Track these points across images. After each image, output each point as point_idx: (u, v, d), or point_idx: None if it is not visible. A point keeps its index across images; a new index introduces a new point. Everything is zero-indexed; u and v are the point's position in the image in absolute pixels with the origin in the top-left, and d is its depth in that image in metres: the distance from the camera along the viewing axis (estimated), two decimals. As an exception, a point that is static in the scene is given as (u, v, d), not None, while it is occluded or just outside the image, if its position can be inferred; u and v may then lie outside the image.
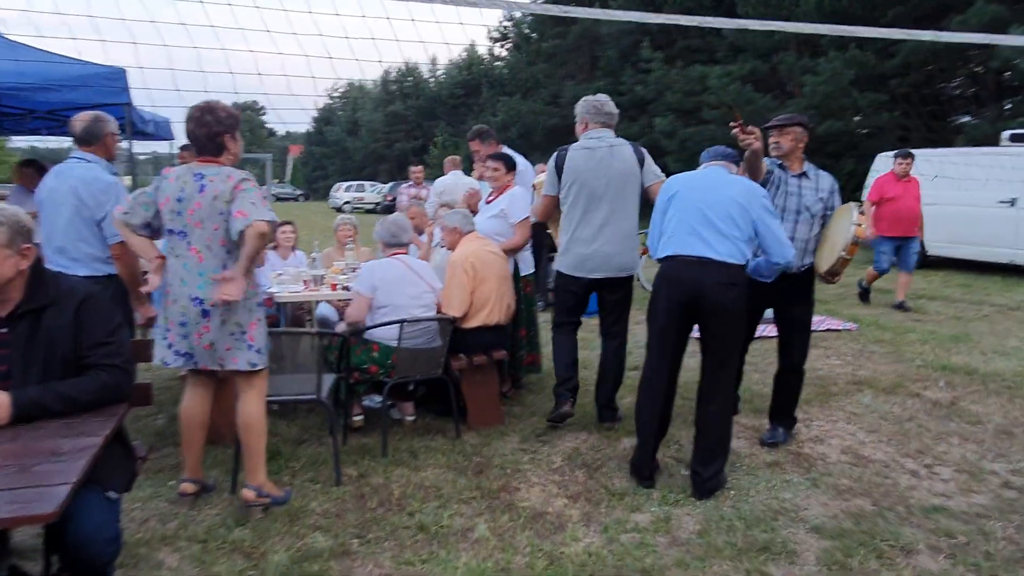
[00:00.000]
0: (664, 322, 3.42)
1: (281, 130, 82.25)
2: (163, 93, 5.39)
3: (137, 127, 7.32)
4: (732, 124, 3.51)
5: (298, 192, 53.49)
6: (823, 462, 3.83)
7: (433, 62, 51.37)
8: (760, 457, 3.89)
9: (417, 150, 44.43)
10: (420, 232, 5.77)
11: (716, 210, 3.36)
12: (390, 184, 35.52)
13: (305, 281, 4.65)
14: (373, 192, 36.75)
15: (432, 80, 50.16)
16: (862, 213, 3.81)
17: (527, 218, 4.80)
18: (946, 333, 6.84)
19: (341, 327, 4.32)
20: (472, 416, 4.35)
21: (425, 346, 4.11)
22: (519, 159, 5.25)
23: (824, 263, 3.91)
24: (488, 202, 4.86)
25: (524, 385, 5.08)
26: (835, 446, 4.05)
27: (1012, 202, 10.71)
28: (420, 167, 9.84)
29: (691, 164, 4.22)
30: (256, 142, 67.73)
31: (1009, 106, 15.91)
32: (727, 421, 3.48)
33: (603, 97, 4.23)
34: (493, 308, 4.33)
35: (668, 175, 3.93)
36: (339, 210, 34.84)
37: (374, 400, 4.48)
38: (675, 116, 20.78)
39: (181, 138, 6.65)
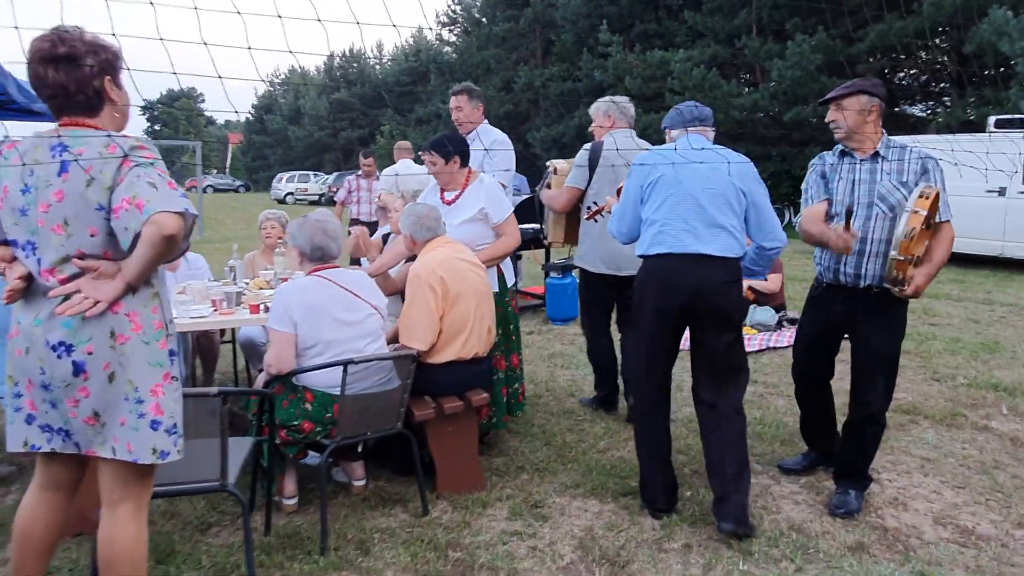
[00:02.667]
0: (656, 328, 2.94)
1: (220, 118, 79.06)
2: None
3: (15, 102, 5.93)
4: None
5: (238, 183, 51.13)
6: (919, 540, 2.87)
7: (379, 48, 49.67)
8: (837, 536, 2.90)
9: (363, 139, 42.73)
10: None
11: (714, 200, 2.89)
12: (335, 174, 33.90)
13: (215, 300, 3.45)
14: (317, 183, 35.11)
15: (378, 66, 48.39)
16: (923, 197, 2.79)
17: (512, 214, 3.72)
18: (974, 341, 6.03)
19: (261, 381, 3.13)
20: (443, 479, 3.26)
21: (377, 389, 3.00)
22: (495, 134, 4.12)
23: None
24: (449, 203, 3.72)
25: (510, 429, 4.01)
26: (923, 513, 3.09)
27: (1001, 191, 10.12)
28: (371, 158, 8.52)
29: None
30: (195, 131, 64.68)
31: (980, 92, 15.45)
32: (744, 434, 2.94)
33: (625, 98, 4.25)
34: (470, 335, 3.25)
35: (589, 206, 3.88)
36: (282, 202, 33.15)
37: (311, 458, 3.35)
38: (635, 102, 19.88)
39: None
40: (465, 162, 3.67)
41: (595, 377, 4.43)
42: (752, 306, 6.60)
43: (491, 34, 29.65)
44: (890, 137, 3.06)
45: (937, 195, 2.80)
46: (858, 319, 3.02)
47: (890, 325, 3.00)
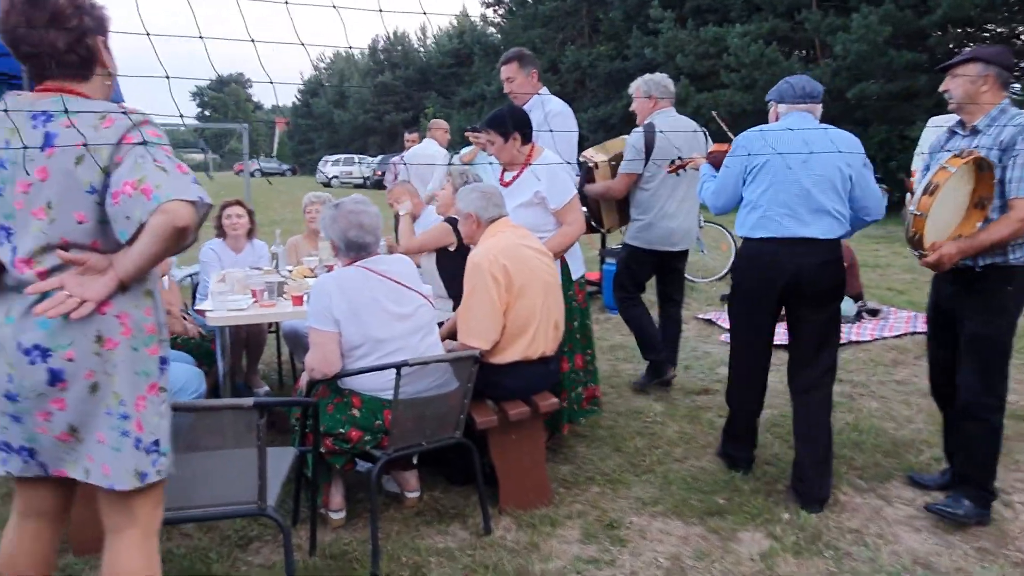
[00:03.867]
0: (754, 307, 3.00)
1: (267, 103, 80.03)
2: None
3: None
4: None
5: (285, 167, 51.63)
6: (1074, 583, 2.42)
7: (423, 30, 49.42)
8: (966, 567, 2.46)
9: (407, 122, 42.58)
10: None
11: (819, 184, 2.83)
12: (379, 157, 33.84)
13: (255, 291, 3.14)
14: (362, 166, 35.11)
15: (422, 49, 48.15)
16: (958, 156, 2.52)
17: (575, 197, 3.33)
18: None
19: (304, 381, 2.79)
20: (506, 493, 2.91)
21: (434, 393, 2.65)
22: (552, 104, 3.70)
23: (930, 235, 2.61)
24: (507, 184, 3.34)
25: (574, 431, 3.64)
26: (1072, 546, 2.63)
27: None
28: (416, 134, 8.18)
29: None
30: (243, 116, 65.56)
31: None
32: (830, 418, 2.97)
33: (663, 75, 4.21)
34: (537, 332, 2.87)
35: (672, 160, 3.85)
36: (327, 185, 33.23)
37: (361, 465, 3.03)
38: (688, 80, 19.15)
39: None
40: (527, 138, 3.28)
41: (639, 343, 4.45)
42: None
43: (537, 13, 29.05)
44: (1014, 108, 2.62)
45: (979, 160, 2.51)
46: (958, 298, 2.73)
47: (988, 306, 2.66)
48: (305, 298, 3.17)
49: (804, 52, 19.49)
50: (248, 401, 1.88)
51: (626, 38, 22.56)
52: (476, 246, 2.95)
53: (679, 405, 4.16)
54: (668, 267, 4.35)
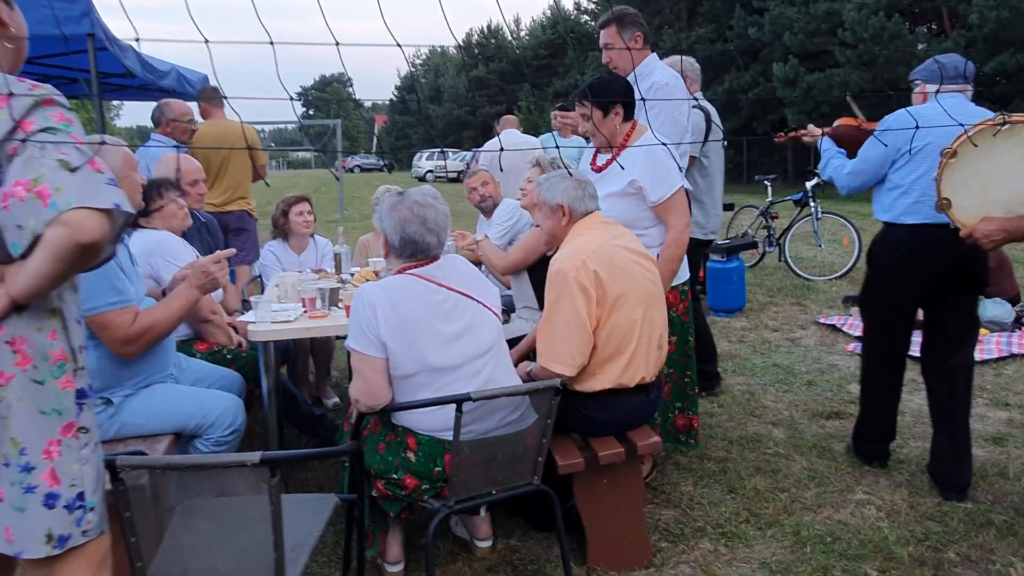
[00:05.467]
0: (899, 294, 2.87)
1: (367, 102, 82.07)
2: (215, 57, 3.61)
3: (132, 75, 5.62)
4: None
5: (382, 163, 52.67)
6: None
7: (516, 22, 49.11)
8: None
9: (501, 115, 42.47)
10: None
11: None
12: (473, 151, 33.80)
13: (305, 301, 2.72)
14: (456, 160, 35.19)
15: (515, 41, 47.95)
16: (988, 121, 2.32)
17: (681, 191, 2.74)
18: None
19: (357, 411, 2.28)
20: (595, 549, 2.37)
21: (506, 431, 2.15)
22: (660, 74, 3.10)
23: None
24: (599, 169, 2.79)
25: (678, 463, 3.06)
26: None
27: None
28: (513, 117, 7.63)
29: (814, 115, 4.19)
30: (345, 115, 67.51)
31: None
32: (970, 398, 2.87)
33: (689, 57, 3.99)
34: (636, 354, 2.32)
35: (784, 129, 3.74)
36: (422, 179, 33.46)
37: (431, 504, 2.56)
38: (798, 61, 17.84)
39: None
40: (629, 113, 2.72)
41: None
42: (981, 299, 5.19)
43: (633, -2, 28.13)
44: None
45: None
46: None
47: None
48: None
49: (930, 24, 17.81)
50: (253, 457, 1.43)
51: (727, 19, 21.34)
52: (560, 248, 2.42)
53: (804, 432, 3.50)
54: (699, 256, 4.30)
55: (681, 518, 2.70)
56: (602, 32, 3.14)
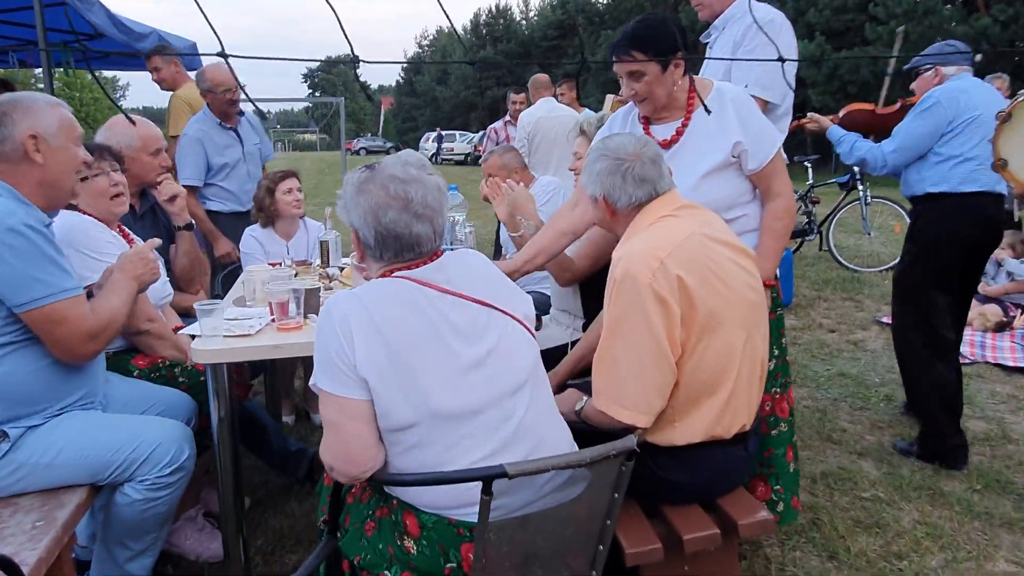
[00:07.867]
0: (951, 266, 2.87)
1: (374, 83, 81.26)
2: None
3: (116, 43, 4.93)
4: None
5: (389, 144, 52.02)
6: None
7: (525, 1, 48.20)
8: None
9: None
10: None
11: None
12: (480, 133, 33.02)
13: (273, 306, 2.00)
14: (463, 142, 34.41)
15: (524, 22, 46.98)
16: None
17: (780, 150, 2.03)
18: None
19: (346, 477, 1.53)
20: (669, 659, 1.70)
21: (551, 503, 1.45)
22: (763, 10, 2.42)
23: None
24: (665, 145, 2.03)
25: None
26: None
27: None
28: (523, 94, 6.91)
29: (840, 96, 3.70)
30: (350, 95, 66.58)
31: None
32: None
33: None
34: (736, 393, 1.63)
35: (810, 110, 3.65)
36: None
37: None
38: (824, 38, 17.01)
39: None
40: (686, 66, 1.98)
41: None
42: (1006, 258, 5.05)
43: (647, -27, 27.29)
44: None
45: None
46: None
47: None
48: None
49: (963, 0, 16.95)
50: None
51: (749, -5, 20.50)
52: (622, 240, 1.73)
53: (901, 467, 2.83)
54: None
55: (772, 599, 2.04)
56: None
